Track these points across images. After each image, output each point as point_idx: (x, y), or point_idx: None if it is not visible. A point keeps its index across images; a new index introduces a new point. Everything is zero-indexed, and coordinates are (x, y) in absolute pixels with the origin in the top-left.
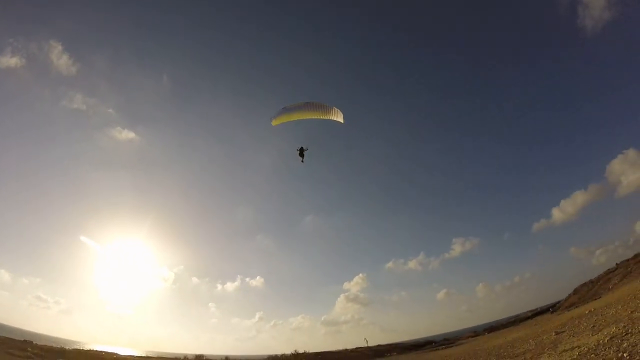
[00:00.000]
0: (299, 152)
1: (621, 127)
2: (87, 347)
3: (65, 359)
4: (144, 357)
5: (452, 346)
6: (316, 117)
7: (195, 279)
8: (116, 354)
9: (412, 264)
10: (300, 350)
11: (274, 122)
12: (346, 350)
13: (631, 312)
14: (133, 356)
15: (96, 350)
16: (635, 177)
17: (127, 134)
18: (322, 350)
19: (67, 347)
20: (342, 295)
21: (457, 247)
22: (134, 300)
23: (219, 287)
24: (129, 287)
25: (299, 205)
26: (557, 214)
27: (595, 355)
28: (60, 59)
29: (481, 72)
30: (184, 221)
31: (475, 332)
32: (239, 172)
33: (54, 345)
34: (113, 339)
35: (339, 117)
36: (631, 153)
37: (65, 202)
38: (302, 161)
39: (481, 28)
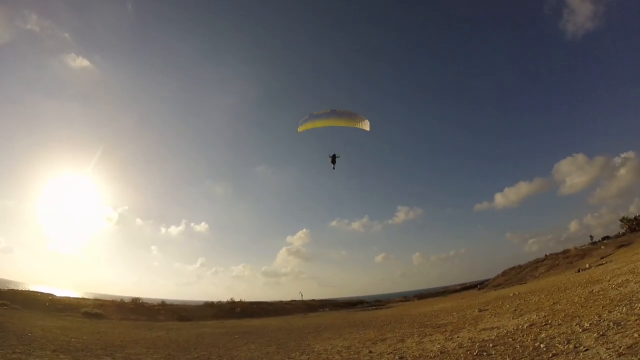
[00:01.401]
0: (331, 158)
1: (577, 132)
2: (24, 288)
3: (0, 300)
4: (79, 298)
5: (381, 308)
6: (343, 125)
7: (139, 221)
8: (52, 294)
9: (356, 225)
10: (237, 299)
11: (300, 129)
12: (281, 302)
13: (553, 303)
14: (69, 297)
15: (32, 291)
16: (579, 180)
17: (82, 62)
18: (259, 300)
19: (1, 288)
20: (284, 248)
21: (401, 215)
22: (77, 239)
23: (163, 230)
24: (72, 226)
25: (252, 154)
26: (499, 198)
27: (513, 340)
28: None
29: (448, 49)
30: (132, 160)
31: (406, 297)
32: (196, 114)
33: None
34: (54, 279)
35: (365, 126)
36: (580, 158)
37: (10, 131)
38: (333, 168)
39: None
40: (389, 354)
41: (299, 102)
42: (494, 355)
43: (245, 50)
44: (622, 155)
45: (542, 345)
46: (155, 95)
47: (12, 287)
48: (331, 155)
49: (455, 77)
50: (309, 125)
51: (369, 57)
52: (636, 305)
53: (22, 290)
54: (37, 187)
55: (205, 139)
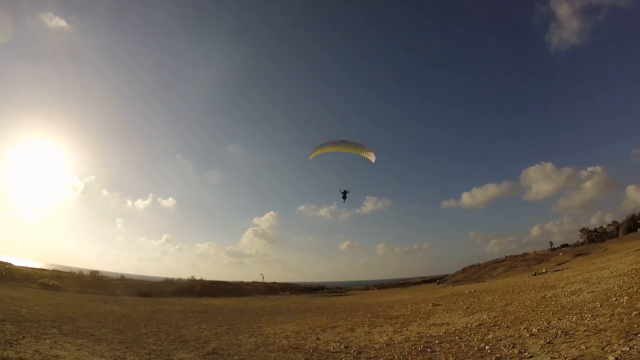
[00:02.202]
0: (342, 194)
1: (548, 141)
2: None
3: None
4: (38, 268)
5: (341, 295)
6: (349, 152)
7: (105, 192)
8: (10, 264)
9: (324, 211)
10: (198, 277)
11: (312, 157)
12: (242, 282)
13: (505, 304)
14: (27, 267)
15: None
16: (545, 188)
17: (58, 22)
18: (220, 280)
19: None
20: (250, 229)
21: (369, 205)
22: (42, 208)
23: (129, 203)
24: (37, 194)
25: (225, 132)
26: (466, 198)
27: (460, 338)
28: None
29: (432, 48)
30: (102, 129)
31: (367, 286)
32: (172, 87)
33: None
34: (16, 249)
35: (371, 157)
36: (548, 166)
37: None
38: (344, 202)
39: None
40: (335, 342)
41: (279, 83)
42: (437, 353)
43: (228, 28)
44: (589, 169)
45: (487, 347)
46: (131, 65)
47: None
48: (342, 191)
49: (438, 77)
50: (319, 152)
51: (356, 48)
52: (587, 315)
53: None
54: (1, 152)
55: (179, 113)
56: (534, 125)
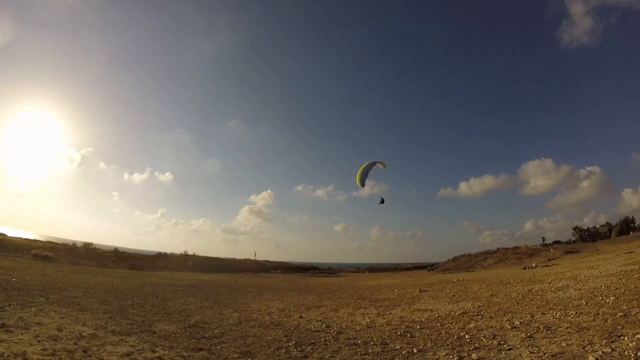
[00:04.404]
0: (380, 200)
1: (549, 136)
2: None
3: None
4: (32, 240)
5: (332, 276)
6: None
7: (102, 164)
8: (4, 234)
9: (321, 192)
10: (191, 252)
11: (361, 184)
12: (234, 259)
13: (491, 295)
14: (21, 238)
15: None
16: (542, 184)
17: None
18: (212, 256)
19: None
20: (246, 207)
21: (366, 189)
22: (37, 179)
23: (126, 176)
24: (33, 164)
25: (226, 106)
26: (463, 187)
27: (441, 325)
28: None
29: (442, 43)
30: (100, 100)
31: (358, 269)
32: (174, 58)
33: None
34: (11, 219)
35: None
36: (547, 162)
37: None
38: (379, 204)
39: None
40: (317, 321)
41: (287, 57)
42: (417, 338)
43: None
44: (588, 169)
45: (467, 336)
46: (132, 33)
47: None
48: (381, 198)
49: (447, 67)
50: (362, 176)
51: (370, 20)
52: (571, 312)
53: None
54: None
55: (181, 86)
56: (536, 120)
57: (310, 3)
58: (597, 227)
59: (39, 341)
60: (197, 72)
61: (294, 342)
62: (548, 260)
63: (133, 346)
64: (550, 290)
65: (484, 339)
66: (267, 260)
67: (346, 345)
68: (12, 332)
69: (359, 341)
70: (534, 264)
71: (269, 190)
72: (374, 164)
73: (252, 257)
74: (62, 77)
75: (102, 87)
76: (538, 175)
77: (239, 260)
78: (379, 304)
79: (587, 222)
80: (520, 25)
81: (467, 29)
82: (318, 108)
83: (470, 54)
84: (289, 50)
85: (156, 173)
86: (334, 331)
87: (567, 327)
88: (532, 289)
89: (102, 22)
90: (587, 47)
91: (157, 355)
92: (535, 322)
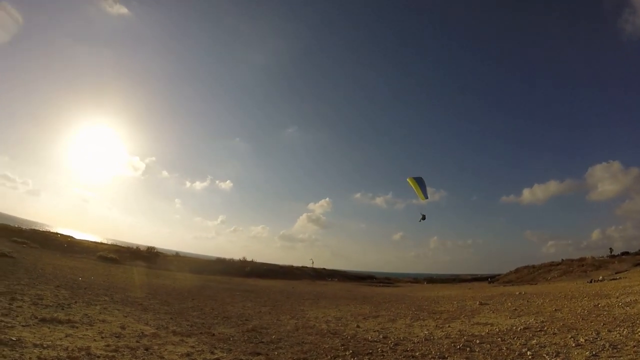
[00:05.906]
0: (422, 217)
1: (617, 137)
2: (45, 229)
3: (21, 239)
4: (97, 242)
5: (389, 286)
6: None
7: (165, 173)
8: (71, 237)
9: (379, 200)
10: (249, 258)
11: (424, 197)
12: (292, 266)
13: (555, 309)
14: (87, 240)
15: (52, 232)
16: (610, 189)
17: (119, 9)
18: (270, 262)
19: (23, 227)
20: (304, 214)
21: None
22: (103, 186)
23: (188, 184)
24: (99, 173)
25: (283, 114)
26: (527, 194)
27: (502, 340)
28: None
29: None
30: (162, 111)
31: (416, 279)
32: (230, 68)
33: (10, 224)
34: (78, 223)
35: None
36: (615, 165)
37: (43, 74)
38: (419, 222)
39: None
40: (375, 331)
41: (337, 63)
42: (477, 353)
43: (284, 6)
44: None
45: (528, 353)
46: (189, 47)
47: (34, 228)
48: (422, 215)
49: (509, 72)
50: (419, 187)
51: (421, 26)
52: (638, 329)
53: (42, 231)
54: (67, 132)
55: (237, 96)
56: (602, 121)
57: (357, 7)
58: None
59: (102, 337)
60: (252, 82)
61: (350, 351)
62: (616, 273)
63: (193, 347)
64: (618, 306)
65: (547, 357)
66: (324, 268)
67: (403, 357)
68: (77, 327)
69: (417, 353)
70: (600, 277)
71: (327, 199)
72: (420, 178)
73: (308, 264)
74: (126, 90)
75: (162, 99)
76: (606, 179)
77: (296, 267)
78: (438, 316)
79: None
80: (577, 19)
81: (528, 30)
82: (373, 115)
83: (532, 56)
84: (340, 55)
85: (217, 181)
86: (391, 342)
87: (634, 346)
88: (598, 304)
89: (161, 40)
90: None
91: (216, 357)
92: (600, 339)
